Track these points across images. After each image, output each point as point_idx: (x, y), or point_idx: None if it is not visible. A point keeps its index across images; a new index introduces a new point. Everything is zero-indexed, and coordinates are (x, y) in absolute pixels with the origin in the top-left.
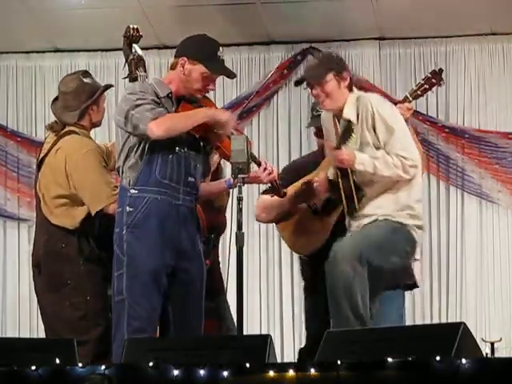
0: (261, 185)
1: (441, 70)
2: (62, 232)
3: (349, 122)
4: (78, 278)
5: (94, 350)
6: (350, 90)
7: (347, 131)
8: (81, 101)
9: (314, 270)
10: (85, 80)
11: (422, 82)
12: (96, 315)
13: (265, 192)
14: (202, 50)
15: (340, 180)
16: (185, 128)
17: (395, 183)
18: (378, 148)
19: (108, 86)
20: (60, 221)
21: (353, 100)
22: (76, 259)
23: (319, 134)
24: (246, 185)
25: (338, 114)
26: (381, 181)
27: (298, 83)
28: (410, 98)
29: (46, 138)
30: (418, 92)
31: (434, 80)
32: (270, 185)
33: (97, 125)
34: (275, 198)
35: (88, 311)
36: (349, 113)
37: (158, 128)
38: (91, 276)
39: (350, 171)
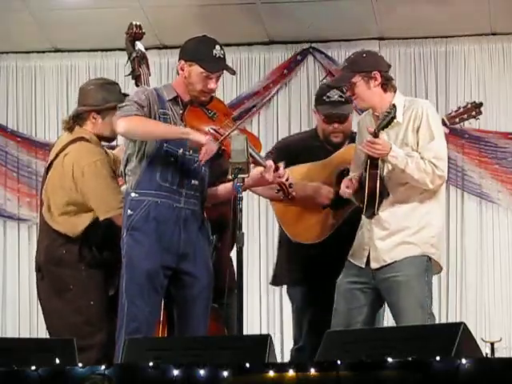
0: None
1: (481, 104)
2: (63, 238)
3: (389, 111)
4: (80, 283)
5: (97, 355)
6: (386, 88)
7: (387, 120)
8: (87, 103)
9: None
10: (103, 89)
11: (462, 109)
12: (99, 320)
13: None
14: (197, 51)
15: (367, 174)
16: (144, 136)
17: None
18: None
19: (115, 107)
20: (61, 227)
21: (401, 102)
22: (77, 265)
23: (327, 120)
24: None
25: (378, 113)
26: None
27: (330, 88)
28: (447, 123)
29: (58, 138)
30: (456, 120)
31: (473, 112)
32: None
33: (105, 138)
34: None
35: (91, 316)
36: (398, 115)
37: (121, 124)
38: (93, 280)
39: (379, 168)
